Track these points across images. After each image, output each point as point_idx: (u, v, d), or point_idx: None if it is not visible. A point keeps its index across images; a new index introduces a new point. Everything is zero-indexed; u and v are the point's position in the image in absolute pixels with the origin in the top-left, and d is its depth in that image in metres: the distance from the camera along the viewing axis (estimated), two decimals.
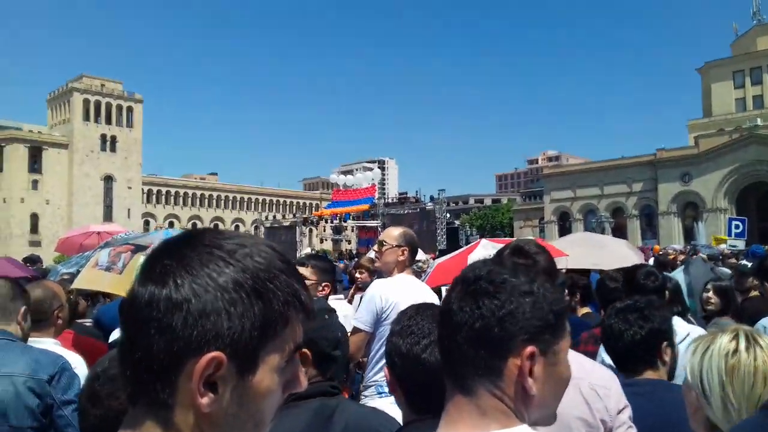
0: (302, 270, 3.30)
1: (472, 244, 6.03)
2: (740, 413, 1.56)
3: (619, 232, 63.08)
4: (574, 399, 2.15)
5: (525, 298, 1.12)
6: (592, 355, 3.47)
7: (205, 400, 0.80)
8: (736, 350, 1.65)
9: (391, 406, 2.41)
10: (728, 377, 1.62)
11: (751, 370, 1.61)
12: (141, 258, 4.24)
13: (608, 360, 2.82)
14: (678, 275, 6.17)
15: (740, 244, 22.92)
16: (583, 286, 4.93)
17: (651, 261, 9.57)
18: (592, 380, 2.25)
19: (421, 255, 15.74)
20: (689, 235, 62.33)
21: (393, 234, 3.84)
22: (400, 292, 3.63)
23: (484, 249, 5.62)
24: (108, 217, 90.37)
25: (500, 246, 5.79)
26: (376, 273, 6.34)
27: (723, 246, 24.50)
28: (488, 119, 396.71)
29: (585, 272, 5.79)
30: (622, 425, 2.21)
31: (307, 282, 3.58)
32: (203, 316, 0.79)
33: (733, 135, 63.72)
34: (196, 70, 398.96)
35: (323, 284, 4.13)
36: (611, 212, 68.57)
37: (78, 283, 4.56)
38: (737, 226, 23.36)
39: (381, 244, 3.78)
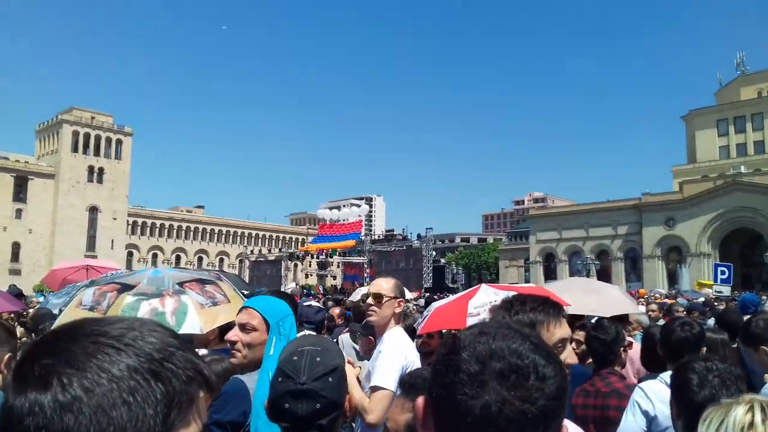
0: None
1: (472, 288, 5.94)
2: None
3: (604, 274, 63.38)
4: None
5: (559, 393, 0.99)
6: (615, 410, 3.44)
7: None
8: (752, 424, 1.58)
9: None
10: None
11: None
12: (127, 298, 4.11)
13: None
14: None
15: (726, 290, 23.06)
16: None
17: (641, 307, 9.56)
18: None
19: (407, 294, 15.70)
20: (673, 278, 62.81)
21: (389, 285, 3.72)
22: (411, 348, 3.59)
23: (485, 294, 5.54)
24: (91, 247, 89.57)
25: (501, 292, 5.75)
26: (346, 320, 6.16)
27: (708, 291, 24.71)
28: (475, 159, 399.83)
29: (577, 317, 5.76)
30: None
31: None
32: (99, 412, 0.73)
33: (717, 182, 64.76)
34: (186, 104, 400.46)
35: None
36: (596, 254, 68.99)
37: (60, 323, 4.39)
38: (723, 272, 23.46)
39: (378, 296, 3.63)
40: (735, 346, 5.66)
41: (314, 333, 5.09)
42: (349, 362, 3.52)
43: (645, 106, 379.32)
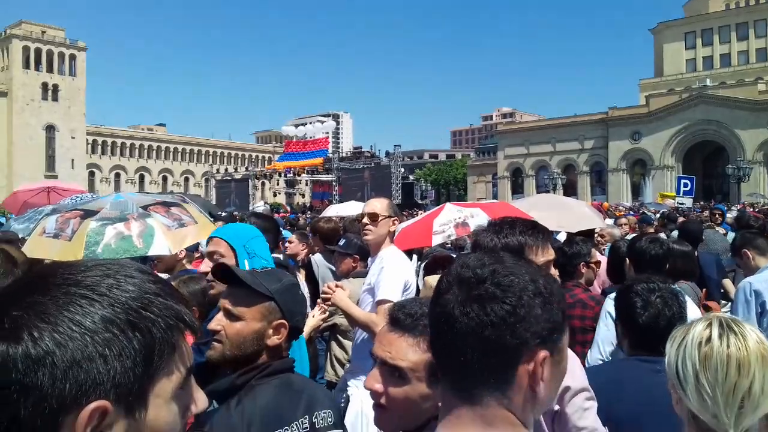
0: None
1: (438, 207, 5.82)
2: (715, 403, 1.53)
3: (570, 188, 64.38)
4: None
5: (536, 299, 1.04)
6: (578, 319, 3.53)
7: None
8: (709, 338, 1.60)
9: None
10: (701, 366, 1.59)
11: (724, 358, 1.57)
12: (92, 223, 4.02)
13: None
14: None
15: (688, 202, 23.64)
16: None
17: (608, 221, 9.60)
18: None
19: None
20: (637, 191, 64.09)
21: (383, 205, 3.76)
22: (408, 265, 3.66)
23: (450, 212, 5.42)
24: (51, 167, 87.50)
25: (465, 209, 5.65)
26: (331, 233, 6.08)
27: (671, 202, 25.23)
28: (444, 75, 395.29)
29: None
30: (577, 410, 2.07)
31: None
32: (74, 366, 0.70)
33: (683, 95, 65.10)
34: (143, 17, 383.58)
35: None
36: (563, 169, 69.73)
37: (26, 251, 4.19)
38: (686, 185, 23.98)
39: (374, 216, 3.65)
40: (696, 254, 5.78)
41: (281, 256, 5.04)
42: (338, 286, 3.48)
43: (613, 19, 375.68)
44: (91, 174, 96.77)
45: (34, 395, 0.69)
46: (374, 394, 1.56)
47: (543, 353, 1.03)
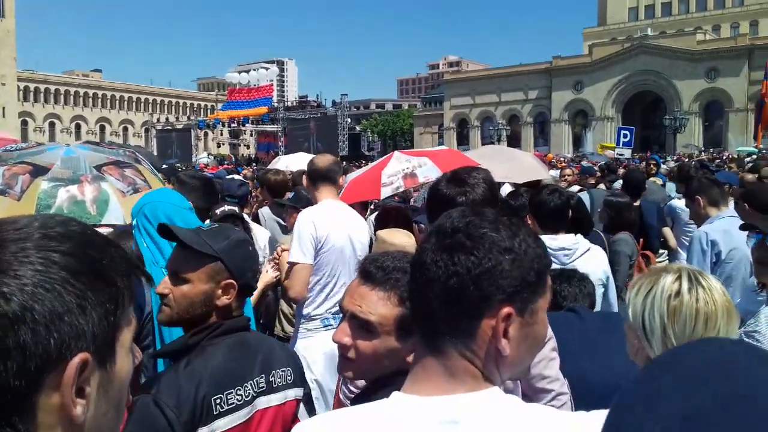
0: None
1: (385, 157, 5.79)
2: None
3: (514, 139, 65.17)
4: None
5: (505, 255, 1.04)
6: None
7: (78, 410, 0.70)
8: (678, 292, 1.63)
9: None
10: (670, 319, 1.61)
11: (693, 312, 1.60)
12: (42, 183, 3.83)
13: None
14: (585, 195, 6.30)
15: (627, 153, 24.17)
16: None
17: (553, 172, 9.78)
18: None
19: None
20: (578, 142, 65.38)
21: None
22: (332, 219, 3.58)
23: (398, 162, 5.41)
24: None
25: (413, 158, 5.65)
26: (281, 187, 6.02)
27: (611, 153, 25.82)
28: (391, 22, 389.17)
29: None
30: (543, 359, 2.09)
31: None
32: (56, 319, 0.68)
33: (625, 44, 65.99)
34: None
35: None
36: (507, 119, 70.46)
37: None
38: (625, 135, 24.43)
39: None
40: (637, 204, 5.96)
41: (236, 208, 4.89)
42: (284, 250, 3.45)
43: None
44: (24, 123, 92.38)
45: (18, 356, 0.66)
46: (342, 347, 1.56)
47: (507, 309, 1.02)
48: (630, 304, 1.71)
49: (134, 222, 2.65)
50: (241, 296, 1.95)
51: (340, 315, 1.66)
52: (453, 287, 1.02)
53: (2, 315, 0.65)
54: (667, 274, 1.68)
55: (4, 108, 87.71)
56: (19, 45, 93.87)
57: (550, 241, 3.29)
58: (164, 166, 13.43)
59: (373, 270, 1.59)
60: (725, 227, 4.15)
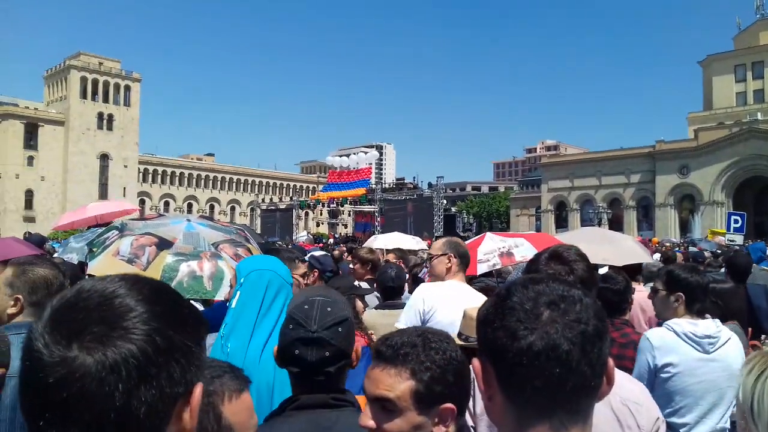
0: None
1: (478, 237, 5.89)
2: None
3: (616, 223, 63.20)
4: (605, 415, 2.02)
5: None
6: (631, 361, 3.38)
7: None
8: None
9: None
10: None
11: None
12: (168, 257, 4.17)
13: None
14: None
15: (738, 239, 22.89)
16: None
17: (656, 256, 9.44)
18: (623, 395, 2.11)
19: (418, 242, 15.60)
20: (685, 227, 62.52)
21: (437, 245, 4.05)
22: (444, 295, 3.71)
23: (492, 242, 5.49)
24: (104, 195, 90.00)
25: (506, 239, 5.69)
26: (371, 264, 6.21)
27: (722, 239, 24.54)
28: (487, 107, 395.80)
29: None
30: None
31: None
32: (189, 353, 0.82)
33: (733, 129, 63.66)
34: (195, 51, 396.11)
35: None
36: (608, 203, 68.64)
37: (95, 270, 4.21)
38: (736, 221, 23.28)
39: (429, 257, 4.00)
40: (744, 286, 5.65)
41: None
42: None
43: (662, 51, 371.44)
44: (142, 202, 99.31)
45: (163, 386, 0.78)
46: None
47: None
48: (741, 384, 1.61)
49: (240, 281, 2.70)
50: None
51: None
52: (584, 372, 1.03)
53: (101, 361, 0.76)
54: None
55: (125, 188, 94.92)
56: (142, 130, 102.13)
57: (690, 326, 3.16)
58: (261, 241, 14.04)
59: (383, 349, 1.63)
60: None
